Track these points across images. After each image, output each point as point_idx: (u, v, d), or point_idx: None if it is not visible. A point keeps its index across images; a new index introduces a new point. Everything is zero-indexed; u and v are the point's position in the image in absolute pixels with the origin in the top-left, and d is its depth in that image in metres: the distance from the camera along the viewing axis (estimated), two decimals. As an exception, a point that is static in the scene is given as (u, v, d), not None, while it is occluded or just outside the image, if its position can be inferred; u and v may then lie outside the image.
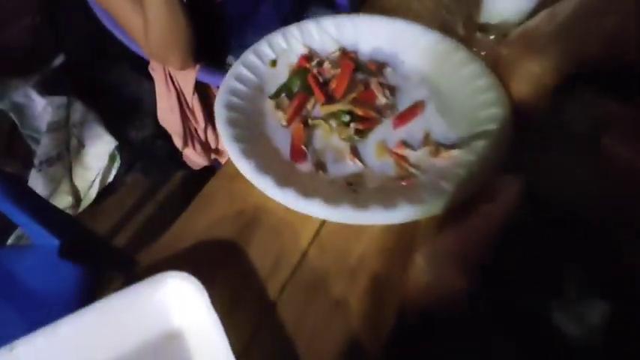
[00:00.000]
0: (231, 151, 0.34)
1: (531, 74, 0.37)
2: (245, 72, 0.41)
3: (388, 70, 0.44)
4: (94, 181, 1.42)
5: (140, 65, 1.26)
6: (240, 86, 0.40)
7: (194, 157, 1.04)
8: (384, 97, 0.40)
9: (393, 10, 0.55)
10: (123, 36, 0.89)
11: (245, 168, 0.33)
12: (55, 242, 0.75)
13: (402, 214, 0.31)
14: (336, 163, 0.37)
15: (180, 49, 0.73)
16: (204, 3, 0.81)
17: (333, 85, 0.40)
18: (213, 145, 1.01)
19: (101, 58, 1.56)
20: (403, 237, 0.32)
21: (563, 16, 0.37)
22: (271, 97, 0.41)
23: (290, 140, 0.38)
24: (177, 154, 1.08)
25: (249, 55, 0.43)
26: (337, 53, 0.44)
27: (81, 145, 1.46)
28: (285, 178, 0.33)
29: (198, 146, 1.01)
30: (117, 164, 1.46)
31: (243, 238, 0.33)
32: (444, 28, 0.48)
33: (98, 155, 1.46)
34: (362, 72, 0.42)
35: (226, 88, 0.39)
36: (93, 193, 1.40)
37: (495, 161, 0.34)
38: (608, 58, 0.33)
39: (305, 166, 0.36)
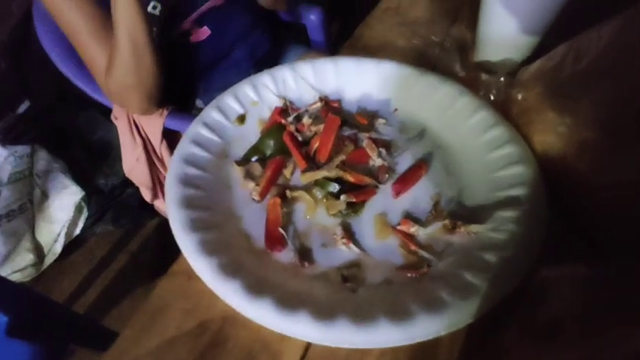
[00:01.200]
0: (186, 246, 0.25)
1: (560, 125, 0.29)
2: (205, 132, 0.33)
3: (380, 122, 0.36)
4: (59, 234, 1.31)
5: (108, 110, 1.16)
6: (198, 151, 0.31)
7: (159, 205, 0.95)
8: (378, 158, 0.32)
9: (378, 50, 0.48)
10: (82, 84, 0.82)
11: (205, 270, 0.24)
12: (3, 319, 0.67)
13: (416, 329, 0.22)
14: (324, 249, 0.28)
15: (143, 91, 0.65)
16: (180, 42, 0.74)
17: (315, 144, 0.32)
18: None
19: (68, 103, 1.49)
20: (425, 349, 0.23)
21: (595, 53, 0.30)
22: (238, 163, 0.32)
23: (264, 221, 0.29)
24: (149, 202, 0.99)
25: (210, 111, 0.34)
26: (318, 104, 0.36)
27: (45, 197, 1.36)
28: (258, 281, 0.24)
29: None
30: (84, 215, 1.35)
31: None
32: (440, 68, 0.40)
33: (63, 206, 1.35)
34: (349, 126, 0.34)
35: (180, 155, 0.30)
36: (58, 247, 1.29)
37: (533, 240, 0.26)
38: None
39: (284, 256, 0.27)
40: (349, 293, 0.25)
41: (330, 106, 0.36)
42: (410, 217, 0.30)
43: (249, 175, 0.31)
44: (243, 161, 0.32)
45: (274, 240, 0.27)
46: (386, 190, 0.32)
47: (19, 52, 1.44)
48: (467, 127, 0.34)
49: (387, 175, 0.32)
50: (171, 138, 0.82)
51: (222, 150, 0.33)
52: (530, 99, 0.32)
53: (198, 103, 0.84)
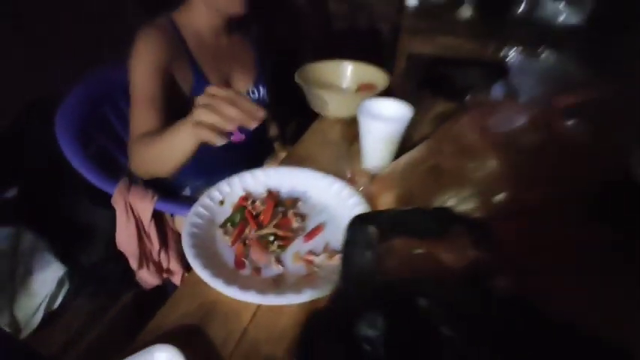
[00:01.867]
0: (194, 265, 0.51)
1: (387, 203, 0.59)
2: (202, 210, 0.60)
3: (300, 204, 0.65)
4: (38, 308, 1.41)
5: (97, 195, 1.42)
6: (198, 220, 0.59)
7: (147, 277, 1.14)
8: (297, 223, 0.60)
9: (305, 159, 0.79)
10: (92, 176, 1.05)
11: (203, 275, 0.50)
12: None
13: (307, 296, 0.48)
14: (266, 268, 0.55)
15: (153, 174, 0.79)
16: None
17: (262, 217, 0.60)
18: (165, 266, 1.13)
19: (58, 189, 1.66)
20: (309, 310, 0.49)
21: (402, 164, 0.61)
22: (221, 227, 0.60)
23: (234, 255, 0.56)
24: (128, 275, 1.17)
25: (204, 199, 0.62)
26: (265, 194, 0.65)
27: (29, 273, 1.47)
28: (231, 280, 0.50)
29: (152, 267, 1.13)
30: (65, 289, 1.48)
31: (204, 323, 0.48)
32: (338, 173, 0.71)
33: (45, 281, 1.47)
34: (282, 206, 0.63)
35: (190, 222, 0.57)
36: (36, 320, 1.38)
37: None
38: (425, 193, 0.56)
39: (245, 272, 0.54)
40: (277, 286, 0.51)
41: (271, 195, 0.64)
42: (312, 252, 0.57)
43: (226, 233, 0.58)
44: (223, 225, 0.60)
45: (240, 264, 0.54)
46: (300, 239, 0.59)
47: (14, 144, 1.65)
48: (345, 206, 0.64)
49: (301, 232, 0.60)
50: (158, 217, 1.07)
51: (211, 219, 0.60)
52: (376, 189, 0.62)
53: (186, 191, 1.11)
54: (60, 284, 1.48)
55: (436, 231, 0.37)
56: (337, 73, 1.06)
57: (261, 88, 1.11)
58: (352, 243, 0.35)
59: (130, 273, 1.17)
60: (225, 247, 0.57)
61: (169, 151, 0.67)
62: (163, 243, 1.10)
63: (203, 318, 0.48)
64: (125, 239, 1.07)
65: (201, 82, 0.96)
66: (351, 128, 0.85)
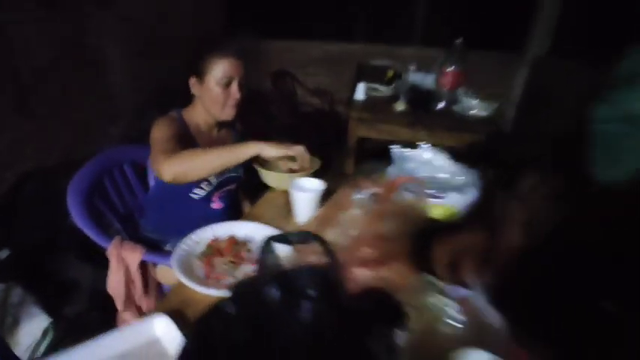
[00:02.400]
0: (180, 277, 0.82)
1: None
2: (184, 247, 0.93)
3: (250, 243, 0.99)
4: (22, 355, 1.57)
5: (85, 254, 1.72)
6: (183, 252, 0.91)
7: (129, 318, 1.39)
8: (246, 254, 0.93)
9: (259, 217, 1.13)
10: (93, 234, 1.35)
11: (187, 282, 0.81)
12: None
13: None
14: (224, 279, 0.86)
15: (181, 177, 1.08)
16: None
17: (224, 252, 0.93)
18: (144, 309, 1.40)
19: (49, 250, 1.90)
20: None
21: (316, 217, 0.96)
22: (197, 258, 0.92)
23: (204, 271, 0.87)
24: (110, 322, 1.41)
25: (187, 239, 0.95)
26: (227, 238, 0.98)
27: (16, 323, 1.65)
28: (202, 283, 0.81)
29: (134, 309, 1.39)
30: (49, 338, 1.65)
31: (188, 309, 0.78)
32: (278, 225, 1.05)
33: (32, 332, 1.65)
34: (238, 244, 0.96)
35: (177, 255, 0.89)
36: (20, 367, 1.54)
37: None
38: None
39: (210, 281, 0.85)
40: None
41: (231, 238, 0.98)
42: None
43: (200, 261, 0.90)
44: (199, 257, 0.92)
45: (207, 276, 0.85)
46: (248, 264, 0.91)
47: (7, 211, 1.91)
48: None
49: (248, 260, 0.92)
50: (143, 269, 1.35)
51: (190, 253, 0.92)
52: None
53: (167, 246, 1.42)
54: (44, 334, 1.66)
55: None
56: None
57: (239, 169, 1.48)
58: (264, 252, 0.69)
59: (111, 319, 1.39)
60: (200, 268, 0.89)
61: (218, 162, 1.09)
62: (145, 288, 1.38)
63: (187, 306, 0.79)
64: (115, 284, 1.35)
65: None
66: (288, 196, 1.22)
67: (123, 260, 1.33)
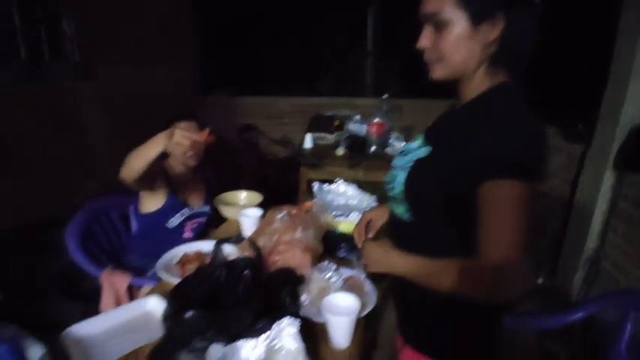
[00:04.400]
0: (162, 275, 1.25)
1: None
2: (164, 261, 1.36)
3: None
4: None
5: (75, 296, 2.13)
6: (164, 265, 1.34)
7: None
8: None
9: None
10: (91, 268, 1.74)
11: (167, 277, 1.23)
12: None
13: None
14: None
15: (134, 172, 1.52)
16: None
17: (192, 260, 1.36)
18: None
19: (36, 293, 2.23)
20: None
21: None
22: (176, 263, 1.35)
23: (180, 273, 1.30)
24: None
25: (166, 255, 1.38)
26: (195, 252, 1.42)
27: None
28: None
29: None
30: None
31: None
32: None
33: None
34: (202, 255, 1.40)
35: (160, 261, 1.32)
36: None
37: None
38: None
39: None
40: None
41: (199, 253, 1.41)
42: (214, 273, 1.33)
43: (177, 264, 1.33)
44: (177, 263, 1.35)
45: (183, 274, 1.28)
46: (210, 269, 1.35)
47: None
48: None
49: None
50: (130, 292, 1.75)
51: (170, 261, 1.35)
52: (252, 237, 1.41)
53: (149, 273, 1.83)
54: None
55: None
56: (238, 196, 1.94)
57: (207, 206, 1.93)
58: (215, 250, 1.13)
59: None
60: (176, 271, 1.31)
61: (144, 151, 1.42)
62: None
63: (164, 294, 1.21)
64: (107, 306, 1.73)
65: (172, 197, 1.77)
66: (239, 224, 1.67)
67: (113, 285, 1.72)
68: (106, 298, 1.72)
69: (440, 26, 0.81)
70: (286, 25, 5.24)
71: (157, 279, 1.62)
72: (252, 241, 1.11)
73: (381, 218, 1.16)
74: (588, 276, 2.45)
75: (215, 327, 0.89)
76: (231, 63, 5.22)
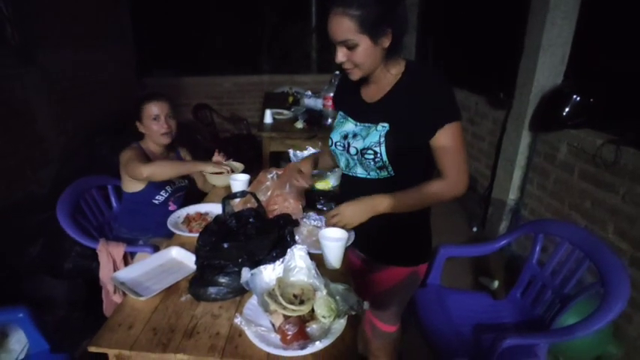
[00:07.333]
0: (175, 230, 1.50)
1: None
2: (173, 219, 1.61)
3: (209, 214, 1.70)
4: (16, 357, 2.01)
5: (59, 275, 2.30)
6: (172, 220, 1.59)
7: (117, 299, 1.97)
8: (208, 218, 1.64)
9: (216, 202, 1.84)
10: (86, 241, 1.93)
11: (179, 232, 1.50)
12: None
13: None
14: (197, 232, 1.57)
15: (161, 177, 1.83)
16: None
17: (195, 218, 1.63)
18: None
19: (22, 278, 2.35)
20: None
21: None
22: (181, 223, 1.61)
23: (188, 229, 1.57)
24: (91, 319, 1.95)
25: (172, 216, 1.63)
26: (195, 212, 1.68)
27: (5, 335, 2.07)
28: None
29: (120, 291, 1.98)
30: None
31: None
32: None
33: (20, 339, 2.07)
34: (202, 215, 1.67)
35: (169, 222, 1.57)
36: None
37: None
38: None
39: (191, 233, 1.55)
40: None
41: (199, 213, 1.67)
42: (217, 227, 1.61)
43: (183, 223, 1.59)
44: (183, 222, 1.61)
45: (190, 230, 1.55)
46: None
47: None
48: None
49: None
50: (125, 258, 1.96)
51: (176, 219, 1.61)
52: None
53: (140, 241, 2.04)
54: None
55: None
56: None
57: (186, 180, 2.17)
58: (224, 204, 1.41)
59: (92, 317, 1.90)
60: (183, 227, 1.58)
61: (182, 169, 1.86)
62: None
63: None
64: (106, 274, 1.94)
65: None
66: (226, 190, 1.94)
67: (110, 254, 1.92)
68: (105, 267, 1.92)
69: (350, 47, 1.15)
70: (227, 3, 5.36)
71: (150, 246, 1.91)
72: (254, 194, 1.41)
73: (305, 166, 1.56)
74: (511, 224, 2.99)
75: (245, 254, 1.19)
76: (171, 43, 5.29)
